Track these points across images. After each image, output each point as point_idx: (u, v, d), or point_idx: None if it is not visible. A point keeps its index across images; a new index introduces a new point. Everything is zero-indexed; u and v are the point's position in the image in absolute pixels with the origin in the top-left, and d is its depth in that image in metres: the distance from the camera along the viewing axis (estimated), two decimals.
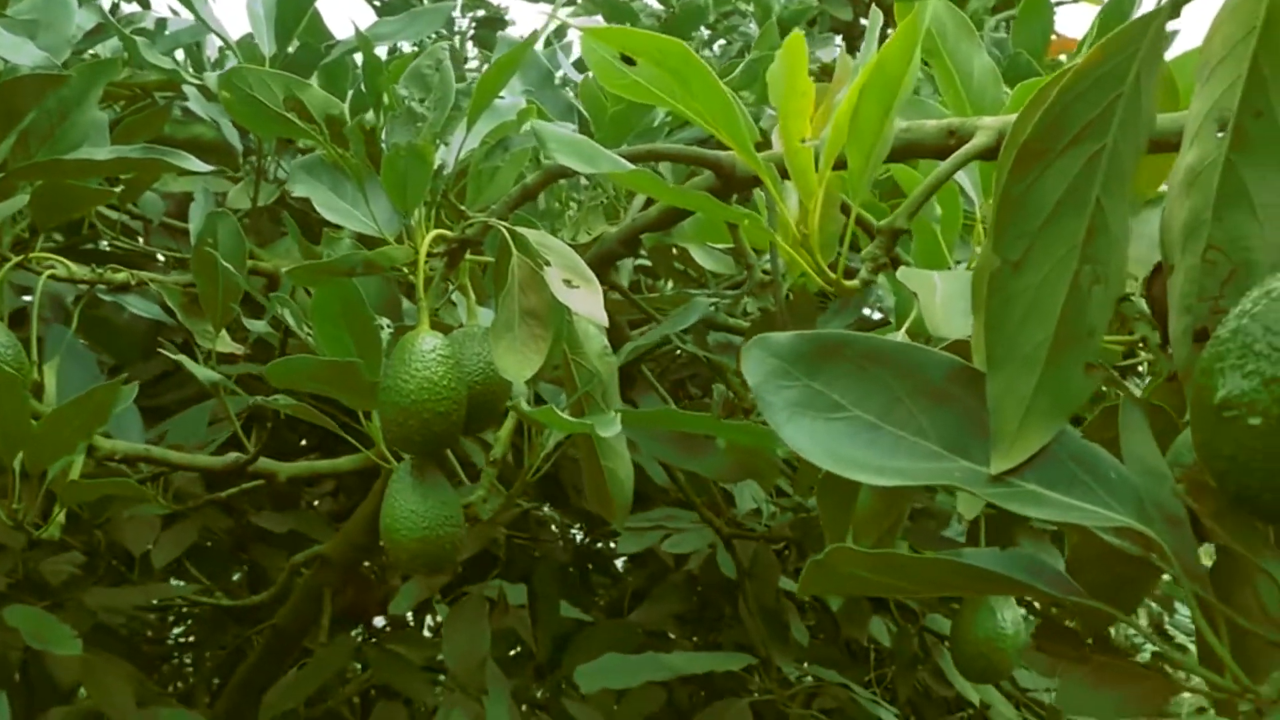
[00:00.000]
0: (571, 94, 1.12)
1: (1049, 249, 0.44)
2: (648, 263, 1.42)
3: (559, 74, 1.23)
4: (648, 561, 2.10)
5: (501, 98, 0.88)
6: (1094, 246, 0.44)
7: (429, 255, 0.79)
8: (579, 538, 2.30)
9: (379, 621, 1.94)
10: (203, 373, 0.96)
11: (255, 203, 1.31)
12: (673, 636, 1.91)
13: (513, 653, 1.81)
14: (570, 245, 1.00)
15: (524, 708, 1.78)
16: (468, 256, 0.84)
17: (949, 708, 1.97)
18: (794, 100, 0.55)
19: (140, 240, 1.50)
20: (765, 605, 1.39)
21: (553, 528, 2.11)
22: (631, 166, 0.60)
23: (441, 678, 1.82)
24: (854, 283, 0.58)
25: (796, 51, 0.58)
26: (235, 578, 1.92)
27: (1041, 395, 0.44)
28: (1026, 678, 2.10)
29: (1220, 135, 0.46)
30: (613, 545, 2.36)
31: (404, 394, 0.74)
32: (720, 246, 1.02)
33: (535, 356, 0.74)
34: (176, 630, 1.96)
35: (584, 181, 1.23)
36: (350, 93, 1.21)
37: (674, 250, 1.26)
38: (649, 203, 1.01)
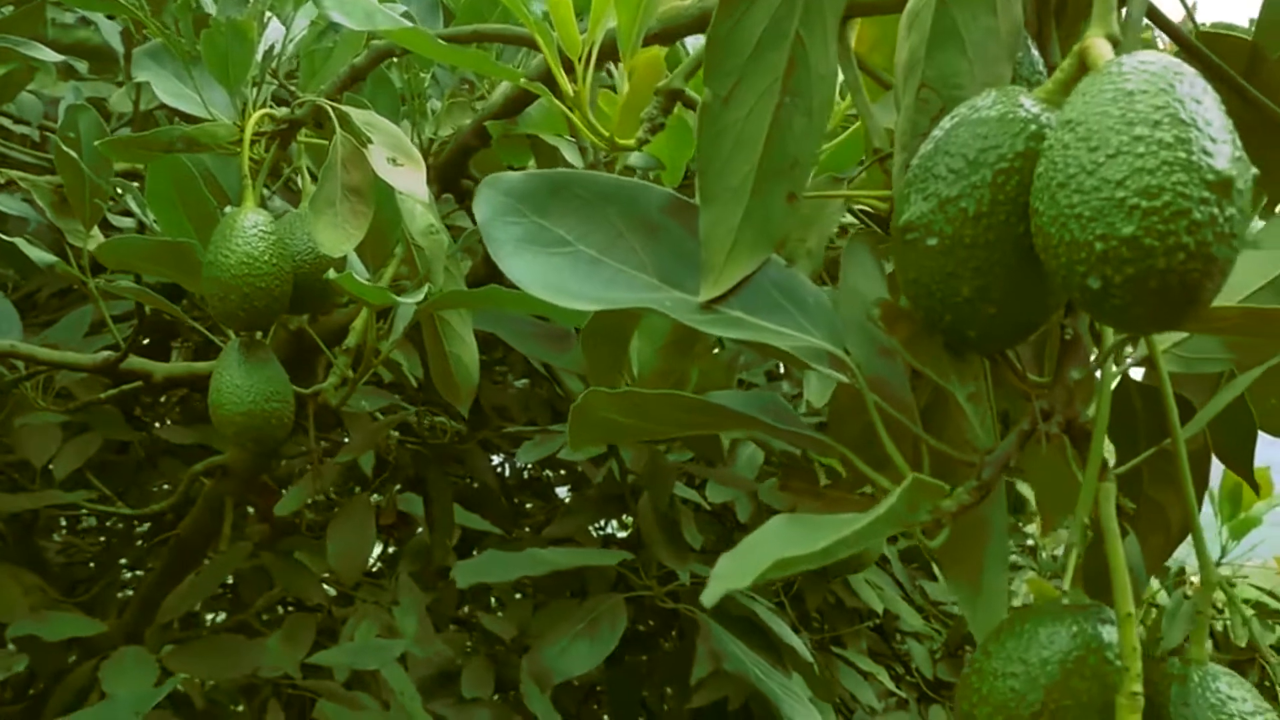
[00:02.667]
0: None
1: (753, 83, 0.45)
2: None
3: None
4: (579, 485, 2.13)
5: None
6: (795, 79, 0.45)
7: (257, 135, 0.79)
8: (521, 464, 2.32)
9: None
10: (36, 254, 0.96)
11: (138, 107, 1.30)
12: None
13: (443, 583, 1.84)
14: (432, 141, 1.01)
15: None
16: (306, 140, 0.84)
17: (860, 617, 2.02)
18: None
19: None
20: (660, 509, 1.42)
21: (492, 457, 2.13)
22: (407, 25, 0.60)
23: (357, 591, 1.85)
24: (629, 141, 0.59)
25: None
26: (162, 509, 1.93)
27: (747, 226, 0.46)
28: (936, 590, 2.15)
29: None
30: (549, 472, 2.39)
31: (224, 269, 0.74)
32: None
33: (356, 232, 0.74)
34: (89, 543, 1.96)
35: (464, 85, 1.23)
36: None
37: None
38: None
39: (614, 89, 0.84)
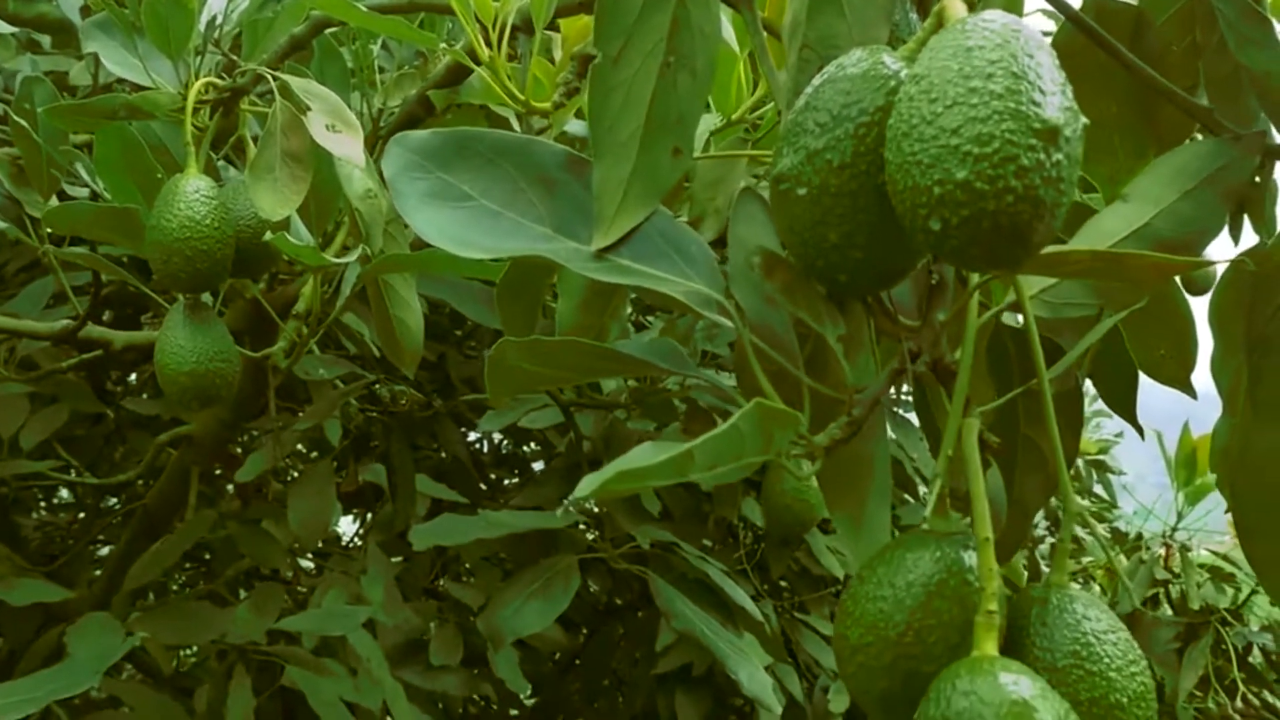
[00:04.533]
0: None
1: (640, 44, 0.48)
2: None
3: None
4: (554, 459, 2.15)
5: None
6: (679, 40, 0.48)
7: (201, 103, 0.82)
8: (498, 439, 2.35)
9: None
10: None
11: (97, 80, 1.32)
12: None
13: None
14: (381, 111, 1.03)
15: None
16: (250, 108, 0.87)
17: (825, 583, 2.06)
18: None
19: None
20: None
21: (469, 433, 2.16)
22: None
23: (329, 561, 1.88)
24: (545, 104, 0.62)
25: None
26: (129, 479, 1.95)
27: (636, 180, 0.48)
28: None
29: None
30: (525, 447, 2.42)
31: (166, 232, 0.77)
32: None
33: (294, 197, 0.77)
34: (66, 519, 1.99)
35: (419, 57, 1.26)
36: None
37: None
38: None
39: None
